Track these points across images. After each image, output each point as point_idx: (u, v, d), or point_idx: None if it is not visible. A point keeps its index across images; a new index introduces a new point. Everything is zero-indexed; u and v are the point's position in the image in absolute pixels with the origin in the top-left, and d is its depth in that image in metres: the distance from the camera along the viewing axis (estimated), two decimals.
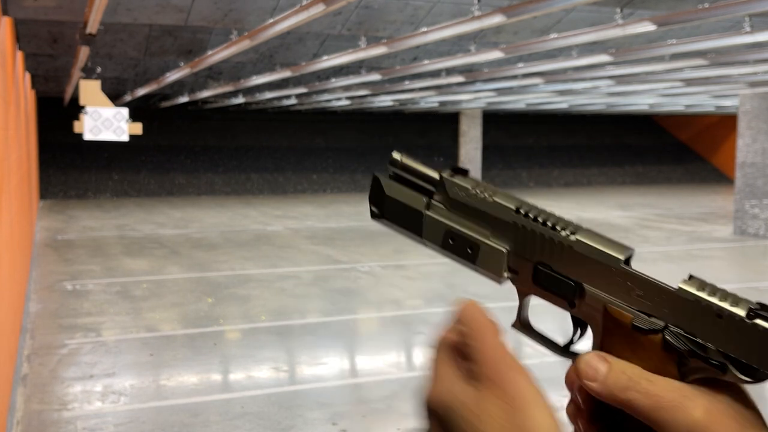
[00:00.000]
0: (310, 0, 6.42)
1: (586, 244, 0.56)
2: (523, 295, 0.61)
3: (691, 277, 0.54)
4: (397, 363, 7.24)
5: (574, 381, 0.56)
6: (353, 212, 20.36)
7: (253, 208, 21.42)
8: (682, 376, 0.53)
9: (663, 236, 15.76)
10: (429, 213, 0.62)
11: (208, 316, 8.77)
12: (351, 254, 13.15)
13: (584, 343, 0.62)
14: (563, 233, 0.57)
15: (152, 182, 25.30)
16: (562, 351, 0.60)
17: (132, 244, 14.34)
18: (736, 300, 0.51)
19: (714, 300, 0.52)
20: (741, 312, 0.50)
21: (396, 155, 0.65)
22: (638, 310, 0.54)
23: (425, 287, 10.47)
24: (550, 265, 0.57)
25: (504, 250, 0.59)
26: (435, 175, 0.63)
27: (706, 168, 32.31)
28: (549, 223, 0.57)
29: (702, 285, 0.53)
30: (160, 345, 7.67)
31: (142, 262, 12.35)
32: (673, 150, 32.90)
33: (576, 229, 0.57)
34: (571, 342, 0.60)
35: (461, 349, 0.54)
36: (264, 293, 9.99)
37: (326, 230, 16.57)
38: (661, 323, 0.53)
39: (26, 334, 7.89)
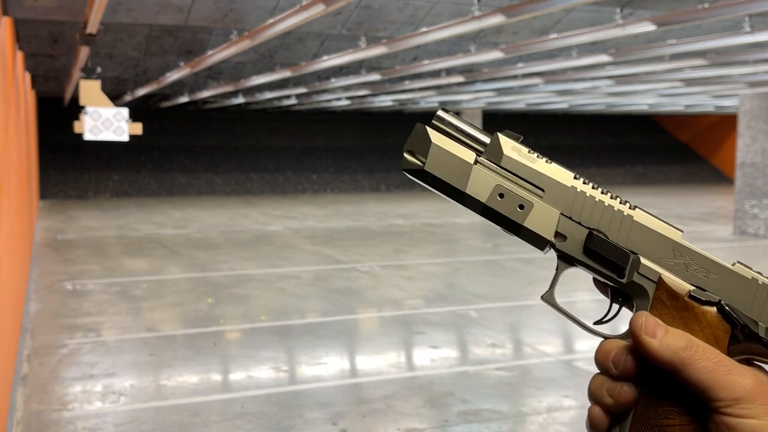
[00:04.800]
0: (310, 0, 6.42)
1: (648, 216, 0.57)
2: (564, 265, 0.60)
3: (738, 263, 0.56)
4: (397, 363, 7.24)
5: (609, 351, 0.57)
6: (353, 212, 20.36)
7: (253, 208, 21.42)
8: (730, 353, 0.54)
9: None
10: (478, 166, 0.61)
11: (208, 316, 8.77)
12: (351, 254, 13.15)
13: (608, 326, 0.62)
14: (623, 205, 0.57)
15: (152, 182, 25.30)
16: (587, 327, 0.61)
17: (132, 244, 14.34)
18: None
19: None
20: None
21: (442, 113, 0.63)
22: (693, 284, 0.55)
23: (425, 287, 10.47)
24: (605, 233, 0.57)
25: (557, 212, 0.59)
26: (484, 137, 0.61)
27: (706, 168, 32.30)
28: (609, 193, 0.58)
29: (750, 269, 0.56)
30: (160, 345, 7.67)
31: (142, 262, 12.35)
32: (673, 150, 32.90)
33: (633, 204, 0.58)
34: (605, 317, 0.61)
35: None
36: (264, 293, 9.98)
37: (326, 230, 16.56)
38: (716, 297, 0.54)
39: (26, 334, 7.89)
